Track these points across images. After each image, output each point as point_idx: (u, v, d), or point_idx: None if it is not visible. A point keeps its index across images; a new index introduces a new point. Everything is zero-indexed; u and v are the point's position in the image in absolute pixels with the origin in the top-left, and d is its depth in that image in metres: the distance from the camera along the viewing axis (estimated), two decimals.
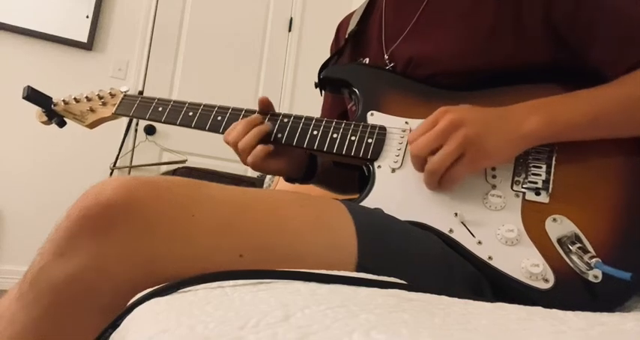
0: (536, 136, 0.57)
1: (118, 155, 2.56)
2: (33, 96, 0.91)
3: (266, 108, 0.74)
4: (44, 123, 0.96)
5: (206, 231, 0.43)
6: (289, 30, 3.09)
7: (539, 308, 0.35)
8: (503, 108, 0.59)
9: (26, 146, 2.42)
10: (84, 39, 2.55)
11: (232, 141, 0.71)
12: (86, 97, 0.92)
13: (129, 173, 2.60)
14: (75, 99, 0.93)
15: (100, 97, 0.90)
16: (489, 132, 0.56)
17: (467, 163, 0.56)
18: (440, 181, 0.58)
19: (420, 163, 0.58)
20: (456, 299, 0.36)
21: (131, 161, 2.61)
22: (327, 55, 0.91)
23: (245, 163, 0.72)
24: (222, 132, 0.75)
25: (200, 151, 2.69)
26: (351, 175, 0.80)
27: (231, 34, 2.90)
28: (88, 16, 2.56)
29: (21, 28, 2.43)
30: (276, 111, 0.75)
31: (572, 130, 0.57)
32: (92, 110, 0.91)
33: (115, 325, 0.34)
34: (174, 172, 2.22)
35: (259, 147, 0.69)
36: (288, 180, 0.82)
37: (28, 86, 0.90)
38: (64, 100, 0.93)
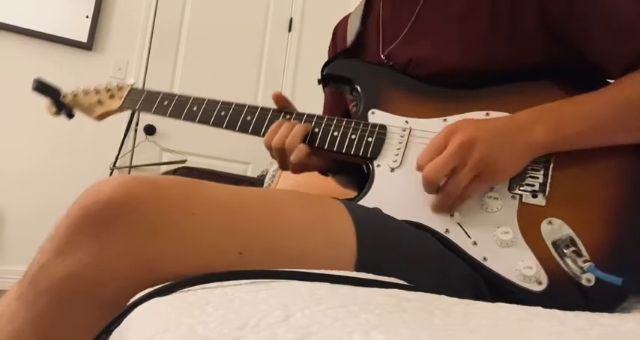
0: (543, 146, 0.57)
1: (118, 155, 2.55)
2: (42, 87, 0.92)
3: (282, 103, 0.74)
4: (54, 114, 0.97)
5: (206, 230, 0.43)
6: (289, 30, 3.09)
7: (539, 309, 0.35)
8: (508, 119, 0.58)
9: (26, 146, 2.42)
10: (84, 39, 2.54)
11: (278, 141, 0.69)
12: (94, 90, 0.94)
13: (129, 173, 2.60)
14: (83, 91, 0.94)
15: (108, 90, 0.92)
16: (500, 149, 0.55)
17: (482, 183, 0.56)
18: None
19: (433, 187, 0.57)
20: (456, 299, 0.36)
21: (131, 161, 2.61)
22: (327, 55, 0.91)
23: (284, 166, 0.71)
24: (225, 127, 0.75)
25: (200, 151, 2.69)
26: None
27: (231, 34, 2.89)
28: (88, 16, 2.56)
29: (21, 28, 2.43)
30: None
31: (577, 138, 0.57)
32: (100, 102, 0.92)
33: (114, 325, 0.34)
34: (174, 172, 2.22)
35: (301, 145, 0.68)
36: (322, 173, 0.81)
37: (37, 78, 0.91)
38: (72, 92, 0.94)
